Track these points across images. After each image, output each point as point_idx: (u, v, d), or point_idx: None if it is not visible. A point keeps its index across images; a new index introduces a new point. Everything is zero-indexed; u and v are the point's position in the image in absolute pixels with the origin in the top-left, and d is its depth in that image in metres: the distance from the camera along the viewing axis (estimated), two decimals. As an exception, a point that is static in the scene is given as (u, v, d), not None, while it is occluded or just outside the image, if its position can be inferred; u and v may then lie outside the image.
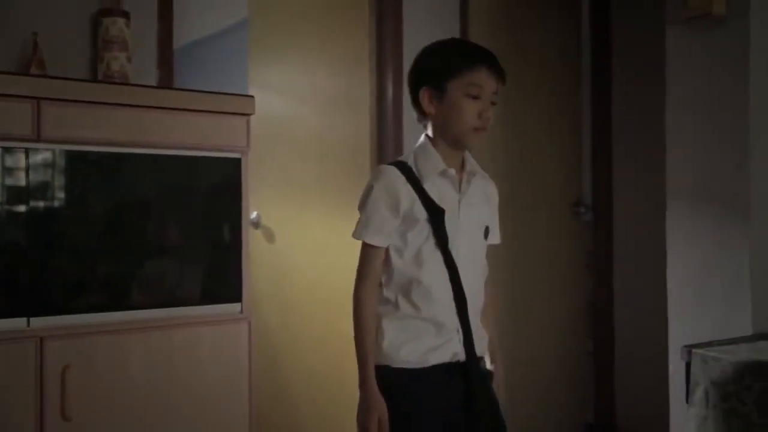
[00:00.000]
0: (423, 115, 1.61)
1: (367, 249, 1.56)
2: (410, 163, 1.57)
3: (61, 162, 1.76)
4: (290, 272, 2.89)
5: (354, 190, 2.69)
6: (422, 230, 1.53)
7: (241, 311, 1.98)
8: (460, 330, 1.55)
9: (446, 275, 1.54)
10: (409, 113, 2.68)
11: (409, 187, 1.53)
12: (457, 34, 2.79)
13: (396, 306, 1.54)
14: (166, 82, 2.28)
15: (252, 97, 2.05)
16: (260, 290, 2.94)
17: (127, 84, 2.04)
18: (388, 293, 1.56)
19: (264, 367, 2.89)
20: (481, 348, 1.60)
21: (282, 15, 2.98)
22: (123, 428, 1.75)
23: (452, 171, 1.57)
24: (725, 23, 2.10)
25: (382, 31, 2.70)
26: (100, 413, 1.73)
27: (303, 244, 2.86)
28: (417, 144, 1.63)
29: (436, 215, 1.53)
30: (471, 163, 1.63)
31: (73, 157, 1.77)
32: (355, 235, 1.56)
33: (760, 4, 2.09)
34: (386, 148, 2.69)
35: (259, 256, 2.95)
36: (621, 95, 3.01)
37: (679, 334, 2.15)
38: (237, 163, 1.99)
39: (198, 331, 1.89)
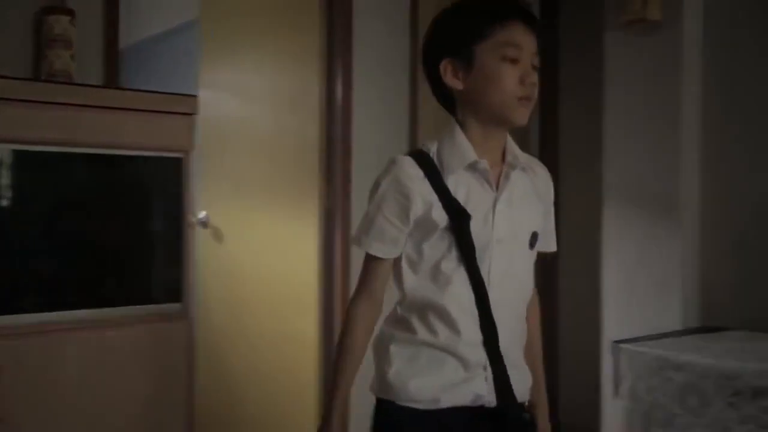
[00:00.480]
0: (446, 95, 1.30)
1: (367, 260, 1.29)
2: (432, 152, 1.27)
3: (0, 161, 1.76)
4: (239, 271, 2.90)
5: (302, 191, 2.74)
6: (441, 240, 1.23)
7: (181, 310, 1.99)
8: (489, 367, 1.25)
9: (471, 298, 1.24)
10: (359, 113, 2.72)
11: (426, 184, 1.23)
12: (407, 36, 2.82)
13: (409, 328, 1.26)
14: (111, 81, 2.28)
15: (195, 96, 2.06)
16: (209, 289, 2.94)
17: (69, 83, 2.03)
18: (402, 311, 1.28)
19: (211, 365, 2.90)
20: (523, 391, 1.29)
21: (233, 14, 2.98)
22: (57, 429, 1.75)
23: (483, 163, 1.26)
24: (660, 28, 2.17)
25: (331, 31, 2.72)
26: (34, 414, 1.73)
27: (252, 243, 2.87)
28: (445, 129, 1.32)
29: (459, 221, 1.23)
30: (513, 150, 1.31)
31: (12, 157, 1.77)
32: (353, 240, 1.30)
33: (694, 10, 2.17)
34: (335, 149, 2.71)
35: (208, 256, 2.96)
36: (568, 99, 3.08)
37: (613, 329, 2.22)
38: (179, 162, 2.00)
39: (137, 331, 1.89)
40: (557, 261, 3.08)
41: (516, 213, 1.27)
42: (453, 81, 1.26)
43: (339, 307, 2.61)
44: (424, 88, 2.85)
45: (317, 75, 2.69)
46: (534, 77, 1.24)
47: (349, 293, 2.63)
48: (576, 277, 2.94)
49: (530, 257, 1.32)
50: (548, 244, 1.36)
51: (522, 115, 1.25)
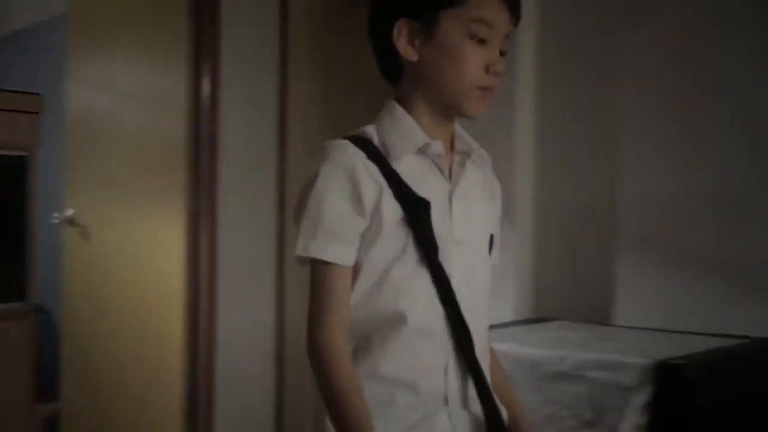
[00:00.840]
0: (391, 63, 1.09)
1: (320, 272, 1.00)
2: (371, 136, 1.06)
3: None
4: (106, 270, 2.88)
5: (169, 190, 2.75)
6: (395, 238, 1.00)
7: (23, 309, 1.98)
8: (450, 400, 1.01)
9: (437, 306, 1.01)
10: (226, 114, 2.75)
11: (371, 167, 1.01)
12: (276, 38, 2.87)
13: (354, 361, 1.00)
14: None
15: (38, 95, 2.05)
16: (75, 288, 2.91)
17: None
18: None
19: (77, 364, 2.87)
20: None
21: (103, 10, 2.96)
22: None
23: (437, 146, 1.05)
24: None
25: (199, 31, 2.74)
26: None
27: (119, 242, 2.86)
28: (381, 111, 1.10)
29: (415, 211, 1.00)
30: (463, 137, 1.11)
31: None
32: (299, 251, 1.00)
33: (529, 19, 2.33)
34: (202, 148, 2.73)
35: (74, 254, 2.92)
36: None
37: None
38: (23, 161, 1.99)
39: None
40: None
41: (473, 210, 1.08)
42: (406, 49, 1.05)
43: (204, 306, 2.64)
44: (294, 89, 2.95)
45: (185, 74, 2.71)
46: (501, 66, 1.05)
47: (215, 291, 2.66)
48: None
49: (489, 265, 1.10)
50: (493, 255, 1.13)
51: (479, 108, 1.06)
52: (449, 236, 1.03)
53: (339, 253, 0.99)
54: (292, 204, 2.91)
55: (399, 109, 1.08)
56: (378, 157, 1.02)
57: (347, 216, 0.99)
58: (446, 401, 1.02)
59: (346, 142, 1.04)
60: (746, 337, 1.78)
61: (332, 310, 0.99)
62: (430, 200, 1.02)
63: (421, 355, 1.00)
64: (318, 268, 1.00)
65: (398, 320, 0.99)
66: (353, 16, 3.18)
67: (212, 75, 2.74)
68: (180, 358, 2.60)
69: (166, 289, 2.68)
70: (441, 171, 1.06)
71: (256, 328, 2.76)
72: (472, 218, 1.07)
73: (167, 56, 2.76)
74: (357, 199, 1.00)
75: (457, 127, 1.12)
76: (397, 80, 1.10)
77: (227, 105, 2.73)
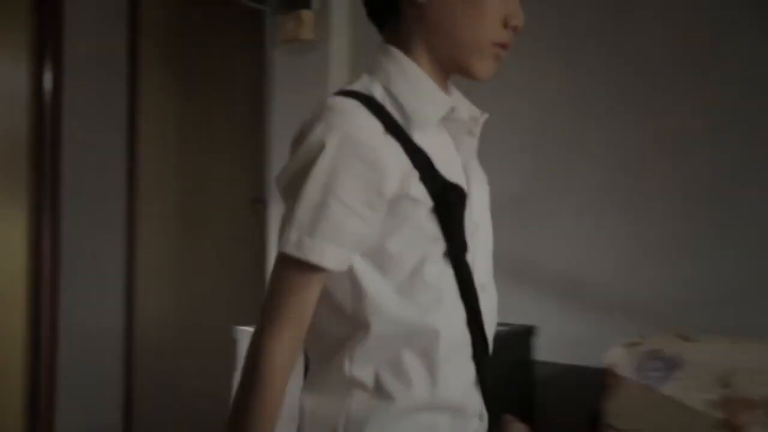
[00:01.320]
0: (388, 4, 0.90)
1: (301, 274, 0.81)
2: (379, 95, 0.85)
3: None
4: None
5: (11, 186, 2.67)
6: (423, 231, 0.83)
7: None
8: (485, 413, 0.91)
9: (462, 315, 0.86)
10: (71, 106, 2.68)
11: (392, 144, 0.82)
12: (125, 27, 2.78)
13: (380, 393, 0.83)
14: None
15: None
16: None
17: None
18: (358, 369, 0.83)
19: None
20: None
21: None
22: None
23: (464, 109, 0.91)
24: (314, 46, 2.46)
25: (41, 21, 2.68)
26: None
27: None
28: (378, 59, 0.90)
29: (449, 200, 0.84)
30: (464, 99, 0.96)
31: None
32: (289, 249, 0.80)
33: (341, 31, 2.45)
34: (43, 144, 2.68)
35: None
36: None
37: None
38: None
39: None
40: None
41: (481, 188, 0.94)
42: None
43: (47, 304, 2.59)
44: (145, 80, 2.89)
45: (26, 67, 2.65)
46: (521, 19, 0.89)
47: (58, 289, 2.61)
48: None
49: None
50: None
51: (489, 69, 0.89)
52: (470, 223, 0.87)
53: (339, 257, 0.80)
54: (143, 201, 2.85)
55: (408, 61, 0.88)
56: (396, 128, 0.82)
57: (360, 213, 0.80)
58: (481, 417, 0.90)
59: (357, 104, 0.82)
60: (507, 324, 1.89)
61: (297, 323, 0.81)
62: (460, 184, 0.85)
63: (461, 371, 0.87)
64: (299, 268, 0.80)
65: (442, 332, 0.83)
66: (210, 19, 3.15)
67: (55, 68, 2.68)
68: (21, 359, 2.55)
69: (8, 288, 2.63)
70: (456, 142, 0.89)
71: (102, 328, 2.72)
72: (483, 199, 0.93)
73: (7, 48, 2.70)
74: (375, 189, 0.80)
75: (452, 86, 0.95)
76: (389, 23, 0.91)
77: (72, 98, 2.68)
